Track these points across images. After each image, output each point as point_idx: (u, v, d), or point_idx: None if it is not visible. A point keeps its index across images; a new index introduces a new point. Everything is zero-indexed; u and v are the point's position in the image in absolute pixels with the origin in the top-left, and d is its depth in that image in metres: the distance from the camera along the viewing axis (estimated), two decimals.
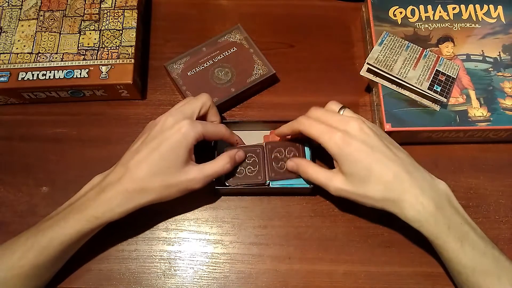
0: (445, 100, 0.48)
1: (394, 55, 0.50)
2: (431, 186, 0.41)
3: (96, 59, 0.52)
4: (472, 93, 0.50)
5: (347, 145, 0.41)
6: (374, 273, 0.46)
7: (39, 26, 0.54)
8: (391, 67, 0.49)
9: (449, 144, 0.52)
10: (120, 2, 0.56)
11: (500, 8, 0.55)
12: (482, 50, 0.52)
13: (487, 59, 0.52)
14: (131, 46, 0.53)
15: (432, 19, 0.54)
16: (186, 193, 0.44)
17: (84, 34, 0.54)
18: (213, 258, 0.47)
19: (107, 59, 0.52)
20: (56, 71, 0.51)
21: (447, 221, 0.40)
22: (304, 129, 0.44)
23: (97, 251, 0.47)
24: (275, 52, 0.57)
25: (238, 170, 0.48)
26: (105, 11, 0.55)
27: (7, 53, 0.53)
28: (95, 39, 0.54)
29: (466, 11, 0.55)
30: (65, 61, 0.52)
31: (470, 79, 0.51)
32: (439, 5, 0.55)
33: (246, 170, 0.48)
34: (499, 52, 0.52)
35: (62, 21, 0.55)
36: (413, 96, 0.50)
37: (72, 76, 0.51)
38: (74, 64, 0.52)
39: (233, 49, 0.55)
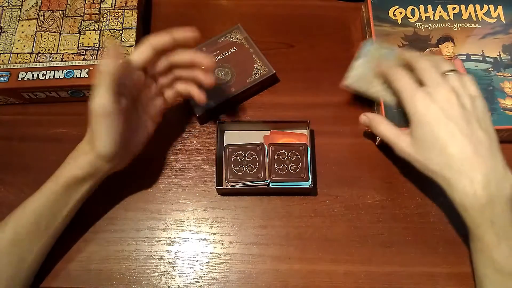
0: None
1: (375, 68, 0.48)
2: (497, 177, 0.39)
3: (96, 59, 0.52)
4: None
5: (424, 108, 0.40)
6: (374, 273, 0.46)
7: (39, 26, 0.54)
8: (371, 84, 0.48)
9: None
10: (120, 2, 0.56)
11: (500, 8, 0.55)
12: (482, 50, 0.52)
13: (487, 59, 0.52)
14: (131, 46, 0.53)
15: (432, 19, 0.54)
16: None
17: (84, 34, 0.54)
18: (213, 258, 0.47)
19: None
20: (56, 71, 0.51)
21: (493, 216, 0.38)
22: (393, 80, 0.43)
23: (97, 251, 0.47)
24: (275, 52, 0.57)
25: (238, 168, 0.48)
26: (105, 11, 0.55)
27: (7, 53, 0.53)
28: (95, 39, 0.54)
29: (466, 11, 0.55)
30: (65, 61, 0.52)
31: None
32: (439, 5, 0.55)
33: (246, 168, 0.48)
34: (499, 52, 0.52)
35: (62, 21, 0.55)
36: None
37: (72, 76, 0.51)
38: (74, 64, 0.52)
39: (233, 49, 0.55)
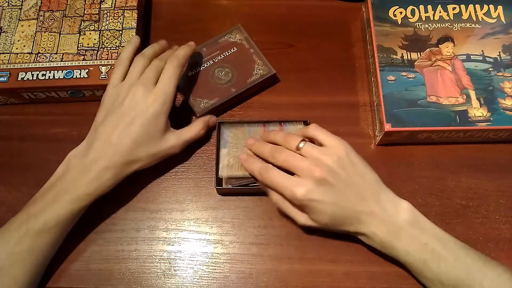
0: None
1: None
2: (389, 213, 0.42)
3: (96, 59, 0.52)
4: (472, 93, 0.50)
5: (309, 201, 0.41)
6: (374, 273, 0.46)
7: (39, 26, 0.54)
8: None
9: (449, 144, 0.52)
10: (120, 2, 0.56)
11: (500, 8, 0.55)
12: (482, 50, 0.52)
13: (487, 59, 0.52)
14: None
15: (432, 19, 0.54)
16: (166, 157, 0.47)
17: (84, 34, 0.54)
18: (213, 258, 0.47)
19: (107, 59, 0.52)
20: (55, 71, 0.51)
21: (405, 246, 0.41)
22: (264, 178, 0.43)
23: (97, 251, 0.47)
24: (275, 52, 0.57)
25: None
26: (105, 11, 0.55)
27: (7, 53, 0.53)
28: (95, 39, 0.54)
29: (466, 11, 0.55)
30: (65, 61, 0.52)
31: (470, 79, 0.51)
32: (439, 5, 0.55)
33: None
34: (499, 52, 0.52)
35: (62, 21, 0.55)
36: None
37: (72, 76, 0.51)
38: (73, 64, 0.52)
39: (234, 49, 0.55)
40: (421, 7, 0.55)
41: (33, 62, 0.52)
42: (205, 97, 0.52)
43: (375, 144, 0.52)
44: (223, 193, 0.50)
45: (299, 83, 0.56)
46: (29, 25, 0.54)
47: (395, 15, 0.54)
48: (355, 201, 0.41)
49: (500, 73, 0.51)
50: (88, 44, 0.53)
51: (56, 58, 0.52)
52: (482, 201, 0.49)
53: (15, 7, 0.56)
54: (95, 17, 0.55)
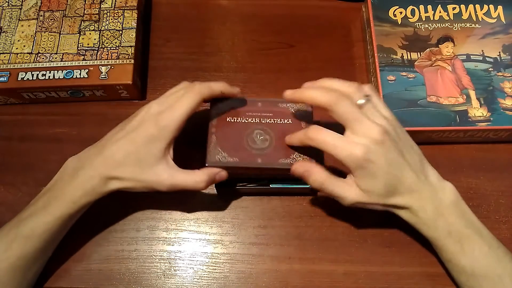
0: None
1: None
2: (437, 189, 0.41)
3: (96, 60, 0.52)
4: (472, 93, 0.50)
5: (369, 163, 0.38)
6: (374, 273, 0.46)
7: (39, 26, 0.54)
8: None
9: (449, 144, 0.52)
10: (120, 2, 0.56)
11: (500, 8, 0.55)
12: (482, 50, 0.52)
13: (487, 59, 0.52)
14: (131, 46, 0.53)
15: (432, 19, 0.54)
16: (151, 191, 0.42)
17: (84, 34, 0.54)
18: (213, 258, 0.47)
19: (107, 59, 0.52)
20: (55, 71, 0.51)
21: (448, 225, 0.40)
22: (315, 145, 0.40)
23: (97, 251, 0.47)
24: (275, 52, 0.57)
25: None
26: (105, 11, 0.55)
27: (7, 53, 0.53)
28: (95, 39, 0.54)
29: (466, 11, 0.55)
30: (65, 61, 0.52)
31: (470, 79, 0.51)
32: (439, 5, 0.55)
33: None
34: (499, 52, 0.52)
35: (62, 21, 0.55)
36: None
37: (72, 76, 0.51)
38: (73, 64, 0.52)
39: (288, 121, 0.46)
40: (421, 7, 0.55)
41: (33, 62, 0.52)
42: (226, 150, 0.44)
43: None
44: (223, 193, 0.50)
45: (299, 83, 0.55)
46: (29, 25, 0.54)
47: (395, 15, 0.54)
48: (407, 170, 0.40)
49: (500, 73, 0.51)
50: (88, 44, 0.53)
51: (56, 58, 0.52)
52: (482, 201, 0.49)
53: (15, 7, 0.56)
54: (95, 17, 0.55)
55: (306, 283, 0.46)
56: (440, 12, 0.55)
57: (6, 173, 0.51)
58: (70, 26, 0.54)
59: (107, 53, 0.53)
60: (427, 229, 0.41)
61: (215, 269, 0.47)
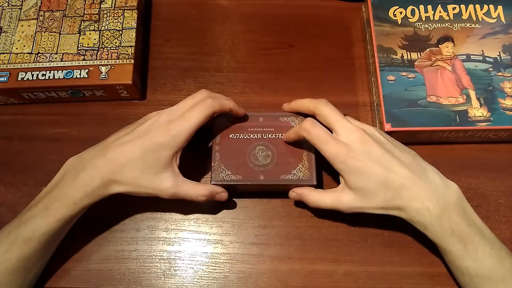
0: None
1: None
2: (439, 188, 0.41)
3: (96, 60, 0.52)
4: (472, 93, 0.50)
5: (352, 159, 0.40)
6: (374, 273, 0.46)
7: (39, 26, 0.54)
8: None
9: (449, 144, 0.52)
10: (120, 2, 0.56)
11: (500, 8, 0.55)
12: (482, 50, 0.52)
13: (487, 59, 0.52)
14: (131, 46, 0.53)
15: (432, 19, 0.54)
16: (153, 196, 0.43)
17: (84, 34, 0.54)
18: (213, 258, 0.47)
19: (107, 59, 0.52)
20: (55, 71, 0.51)
21: (452, 224, 0.40)
22: (308, 137, 0.43)
23: (97, 251, 0.47)
24: (275, 52, 0.57)
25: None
26: (105, 11, 0.55)
27: (7, 53, 0.53)
28: (94, 39, 0.54)
29: (466, 11, 0.55)
30: (65, 61, 0.52)
31: (470, 79, 0.51)
32: (439, 5, 0.55)
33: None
34: (499, 52, 0.52)
35: (62, 21, 0.55)
36: None
37: (72, 76, 0.51)
38: (73, 64, 0.52)
39: None
40: (421, 7, 0.55)
41: (33, 62, 0.52)
42: (230, 168, 0.46)
43: None
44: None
45: (299, 83, 0.56)
46: (29, 25, 0.54)
47: (395, 15, 0.54)
48: (398, 165, 0.40)
49: (500, 73, 0.51)
50: (88, 44, 0.53)
51: (56, 58, 0.52)
52: (482, 201, 0.49)
53: (15, 7, 0.56)
54: (95, 17, 0.55)
55: (306, 283, 0.46)
56: (440, 12, 0.55)
57: (6, 173, 0.51)
58: (70, 26, 0.54)
59: (107, 53, 0.53)
60: (430, 230, 0.41)
61: (215, 269, 0.47)
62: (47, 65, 0.52)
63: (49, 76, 0.51)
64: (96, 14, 0.55)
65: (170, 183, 0.42)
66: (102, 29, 0.54)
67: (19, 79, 0.51)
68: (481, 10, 0.55)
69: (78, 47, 0.53)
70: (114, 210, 0.49)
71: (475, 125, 0.48)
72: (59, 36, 0.54)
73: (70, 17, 0.55)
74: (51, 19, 0.55)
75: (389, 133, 0.48)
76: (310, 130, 0.42)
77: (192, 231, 0.48)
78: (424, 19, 0.54)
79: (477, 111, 0.49)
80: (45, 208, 0.41)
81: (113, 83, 0.51)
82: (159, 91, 0.55)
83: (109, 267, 0.46)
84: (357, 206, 0.42)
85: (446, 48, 0.53)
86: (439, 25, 0.54)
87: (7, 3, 0.56)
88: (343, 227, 0.48)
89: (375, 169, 0.40)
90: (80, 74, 0.51)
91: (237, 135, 0.47)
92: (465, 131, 0.49)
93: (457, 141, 0.51)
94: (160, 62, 0.57)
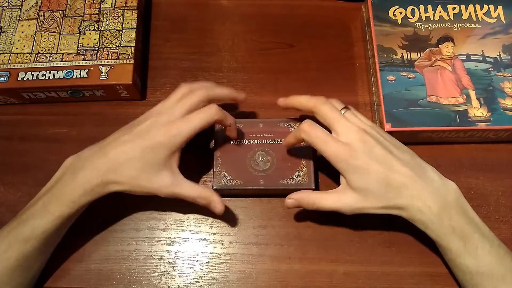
0: None
1: None
2: (439, 187, 0.41)
3: (96, 60, 0.52)
4: (472, 93, 0.50)
5: (354, 159, 0.40)
6: (374, 273, 0.46)
7: (39, 26, 0.54)
8: None
9: (449, 144, 0.52)
10: (120, 2, 0.56)
11: (500, 8, 0.55)
12: (482, 50, 0.52)
13: (487, 59, 0.52)
14: (131, 46, 0.53)
15: (432, 19, 0.54)
16: (152, 196, 0.43)
17: (84, 34, 0.54)
18: (213, 258, 0.47)
19: (107, 59, 0.52)
20: (55, 71, 0.51)
21: (452, 222, 0.40)
22: (307, 138, 0.43)
23: (97, 251, 0.47)
24: (275, 52, 0.57)
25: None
26: (105, 11, 0.55)
27: (7, 53, 0.53)
28: (94, 39, 0.54)
29: (466, 11, 0.55)
30: (65, 61, 0.52)
31: (470, 79, 0.51)
32: (439, 5, 0.55)
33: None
34: (499, 52, 0.52)
35: (62, 21, 0.55)
36: None
37: (72, 76, 0.51)
38: (73, 64, 0.52)
39: None
40: (421, 7, 0.55)
41: (33, 62, 0.52)
42: (231, 173, 0.47)
43: None
44: (223, 194, 0.50)
45: (299, 83, 0.56)
46: (29, 25, 0.54)
47: (395, 15, 0.54)
48: (398, 164, 0.41)
49: (500, 73, 0.51)
50: (88, 44, 0.53)
51: (56, 58, 0.52)
52: (482, 201, 0.49)
53: (15, 7, 0.56)
54: (95, 17, 0.55)
55: (306, 283, 0.46)
56: (440, 12, 0.55)
57: (6, 173, 0.51)
58: (70, 26, 0.54)
59: (107, 53, 0.53)
60: (431, 226, 0.41)
61: (215, 269, 0.47)
62: (47, 65, 0.52)
63: (49, 76, 0.51)
64: (96, 14, 0.55)
65: (169, 181, 0.43)
66: (102, 29, 0.54)
67: (19, 79, 0.51)
68: (481, 10, 0.55)
69: (78, 47, 0.53)
70: (114, 210, 0.49)
71: (475, 125, 0.48)
72: (59, 36, 0.54)
73: (70, 17, 0.55)
74: (51, 19, 0.55)
75: (389, 133, 0.48)
76: (309, 131, 0.42)
77: (192, 231, 0.48)
78: (424, 19, 0.54)
79: (477, 111, 0.49)
80: (44, 206, 0.41)
81: (113, 83, 0.51)
82: (159, 91, 0.55)
83: (109, 267, 0.46)
84: (358, 207, 0.42)
85: (446, 48, 0.53)
86: (439, 25, 0.54)
87: (7, 3, 0.56)
88: (343, 227, 0.48)
89: (377, 168, 0.40)
90: (80, 74, 0.51)
91: (237, 141, 0.49)
92: (465, 131, 0.49)
93: (457, 141, 0.51)
94: (160, 62, 0.57)
